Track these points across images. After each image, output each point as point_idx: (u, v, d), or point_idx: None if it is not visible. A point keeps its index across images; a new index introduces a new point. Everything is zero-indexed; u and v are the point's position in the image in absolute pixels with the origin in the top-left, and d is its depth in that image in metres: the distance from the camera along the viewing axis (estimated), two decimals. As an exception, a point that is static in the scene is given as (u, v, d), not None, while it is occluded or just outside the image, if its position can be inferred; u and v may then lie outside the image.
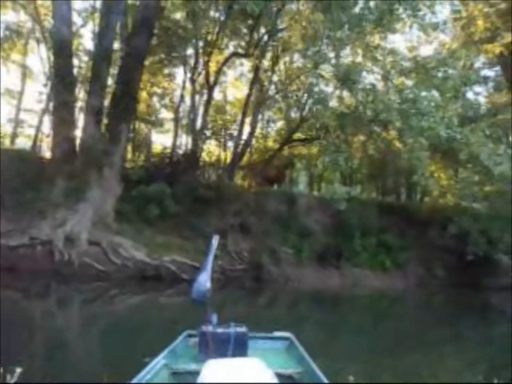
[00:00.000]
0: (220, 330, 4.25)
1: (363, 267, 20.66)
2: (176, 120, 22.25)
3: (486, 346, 8.98)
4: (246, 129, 22.46)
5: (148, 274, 16.13)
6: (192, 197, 17.75)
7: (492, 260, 20.33)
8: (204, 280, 4.44)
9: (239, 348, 4.11)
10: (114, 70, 19.33)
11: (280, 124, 24.22)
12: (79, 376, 5.43)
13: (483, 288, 19.80)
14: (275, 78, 23.37)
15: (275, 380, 3.05)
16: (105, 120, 17.69)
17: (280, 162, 24.84)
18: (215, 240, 4.91)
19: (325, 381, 3.40)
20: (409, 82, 15.34)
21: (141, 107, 23.68)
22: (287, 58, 24.02)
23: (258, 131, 23.14)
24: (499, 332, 10.88)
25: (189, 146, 21.54)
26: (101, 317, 10.42)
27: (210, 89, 20.50)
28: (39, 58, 23.09)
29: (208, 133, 20.65)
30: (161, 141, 25.94)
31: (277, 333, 4.94)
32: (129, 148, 21.19)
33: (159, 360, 3.81)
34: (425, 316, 13.42)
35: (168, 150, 21.51)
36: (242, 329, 4.28)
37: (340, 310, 14.19)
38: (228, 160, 22.67)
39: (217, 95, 24.82)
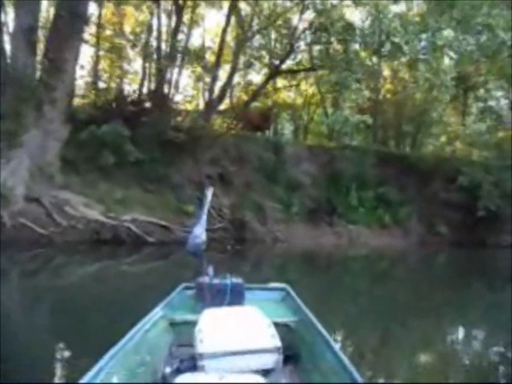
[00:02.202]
0: (216, 281, 3.98)
1: (359, 224, 17.59)
2: (144, 55, 17.62)
3: (489, 312, 7.64)
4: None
5: (103, 237, 12.31)
6: (159, 142, 13.55)
7: (502, 216, 17.11)
8: (199, 233, 4.20)
9: (235, 298, 3.86)
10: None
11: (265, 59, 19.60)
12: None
13: (490, 247, 17.16)
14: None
15: (272, 327, 2.91)
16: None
17: (265, 107, 20.84)
18: (210, 191, 4.54)
19: (322, 330, 3.12)
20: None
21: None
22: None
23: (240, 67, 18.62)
24: (506, 297, 8.50)
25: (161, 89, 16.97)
26: (47, 292, 7.58)
27: (180, 10, 15.91)
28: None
29: (178, 64, 15.97)
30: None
31: (273, 284, 4.68)
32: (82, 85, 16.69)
33: (157, 312, 3.52)
34: (426, 278, 11.21)
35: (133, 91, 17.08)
36: (239, 280, 3.98)
37: (334, 273, 11.91)
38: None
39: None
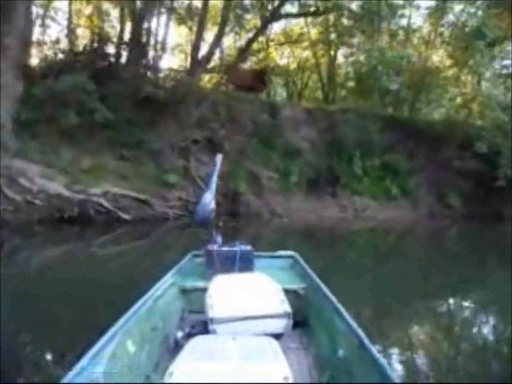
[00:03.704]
0: (225, 248, 3.93)
1: (365, 195, 15.34)
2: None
3: (502, 290, 6.34)
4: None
5: (68, 214, 9.77)
6: (135, 100, 10.84)
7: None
8: (209, 200, 4.05)
9: (245, 265, 3.78)
10: None
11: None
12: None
13: (505, 220, 14.76)
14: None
15: (282, 293, 2.93)
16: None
17: (258, 67, 18.06)
18: (219, 158, 4.42)
19: (331, 296, 3.03)
20: None
21: None
22: None
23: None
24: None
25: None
26: (3, 283, 5.43)
27: None
28: None
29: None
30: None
31: (282, 252, 4.54)
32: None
33: (167, 279, 3.42)
34: (435, 253, 9.78)
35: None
36: (248, 247, 3.94)
37: (338, 249, 10.20)
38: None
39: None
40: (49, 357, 3.83)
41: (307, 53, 23.01)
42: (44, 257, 8.18)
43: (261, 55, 20.49)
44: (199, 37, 13.46)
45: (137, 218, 10.33)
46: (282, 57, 23.73)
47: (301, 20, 18.80)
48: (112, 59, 12.26)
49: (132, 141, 10.96)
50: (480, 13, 9.87)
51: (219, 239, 4.04)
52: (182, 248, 7.71)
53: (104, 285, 5.60)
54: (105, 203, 9.97)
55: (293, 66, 23.91)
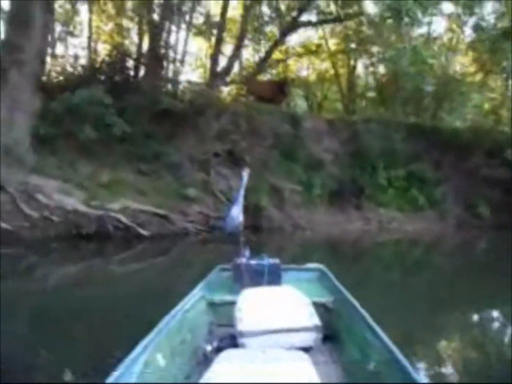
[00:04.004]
0: (253, 262, 3.91)
1: (390, 207, 14.68)
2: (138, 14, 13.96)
3: None
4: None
5: (85, 231, 9.40)
6: (153, 113, 10.47)
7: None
8: (237, 214, 4.09)
9: (273, 279, 3.76)
10: None
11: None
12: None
13: None
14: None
15: (311, 306, 2.87)
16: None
17: (278, 78, 17.67)
18: (246, 173, 4.36)
19: (360, 309, 2.96)
20: None
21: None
22: None
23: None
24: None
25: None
26: (18, 300, 5.59)
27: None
28: None
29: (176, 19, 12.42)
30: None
31: (309, 265, 4.46)
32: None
33: (196, 293, 3.43)
34: (463, 267, 9.15)
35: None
36: (275, 260, 3.95)
37: (363, 263, 9.85)
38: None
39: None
40: (68, 373, 3.59)
41: (326, 64, 22.72)
42: (61, 274, 7.88)
43: (280, 67, 20.21)
44: (217, 49, 13.13)
45: (156, 233, 9.91)
46: (301, 69, 23.50)
47: (320, 31, 18.56)
48: (131, 73, 12.01)
49: (150, 155, 10.59)
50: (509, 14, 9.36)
51: (246, 252, 4.01)
52: (204, 263, 7.48)
53: (123, 303, 5.37)
54: (124, 219, 9.56)
55: (312, 77, 23.63)
